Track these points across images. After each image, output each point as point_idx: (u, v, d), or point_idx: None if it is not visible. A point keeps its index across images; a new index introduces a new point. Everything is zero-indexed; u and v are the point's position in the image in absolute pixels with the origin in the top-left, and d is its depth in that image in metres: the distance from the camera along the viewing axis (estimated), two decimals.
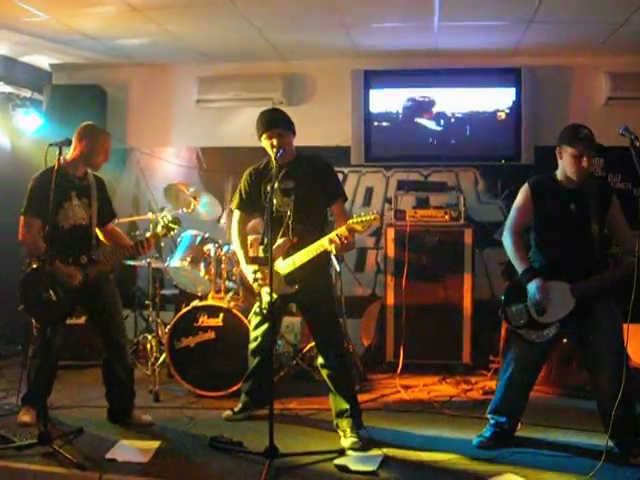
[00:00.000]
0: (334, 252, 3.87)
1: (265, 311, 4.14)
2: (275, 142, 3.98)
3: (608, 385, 3.63)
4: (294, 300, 4.28)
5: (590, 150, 3.69)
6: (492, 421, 4.01)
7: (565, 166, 3.79)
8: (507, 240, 3.93)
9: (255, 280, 4.06)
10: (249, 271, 4.16)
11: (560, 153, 3.80)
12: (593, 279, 3.67)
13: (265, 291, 4.04)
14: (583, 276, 3.70)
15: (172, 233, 4.45)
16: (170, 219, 4.37)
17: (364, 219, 3.68)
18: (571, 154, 3.71)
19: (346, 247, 3.82)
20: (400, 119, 6.43)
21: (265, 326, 4.27)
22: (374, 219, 3.67)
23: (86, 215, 4.24)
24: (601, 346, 3.69)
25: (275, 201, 4.07)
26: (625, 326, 3.59)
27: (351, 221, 3.72)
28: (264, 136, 4.04)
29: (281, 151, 3.94)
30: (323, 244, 3.84)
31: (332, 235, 3.80)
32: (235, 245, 4.38)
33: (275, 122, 4.04)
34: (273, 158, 4.01)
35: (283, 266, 4.04)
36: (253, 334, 4.41)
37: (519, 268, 3.86)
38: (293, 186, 4.07)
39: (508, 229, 3.94)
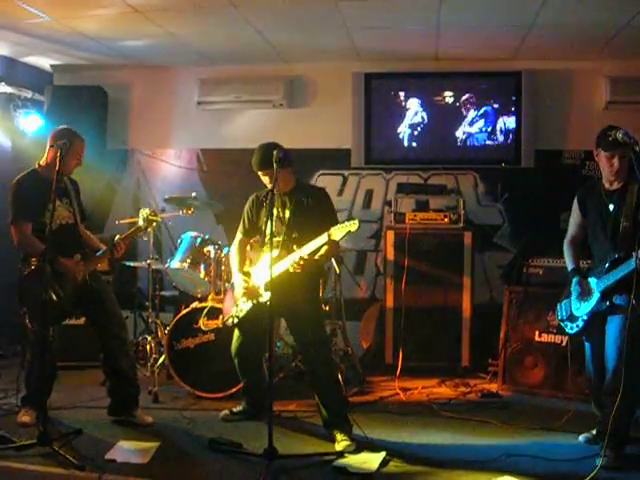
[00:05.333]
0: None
1: (236, 320, 4.25)
2: (267, 181, 4.13)
3: (608, 380, 3.66)
4: (278, 314, 4.32)
5: (620, 150, 3.70)
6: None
7: (602, 168, 3.87)
8: (564, 250, 4.14)
9: (244, 288, 4.19)
10: (240, 280, 4.25)
11: (597, 156, 3.88)
12: (611, 273, 3.68)
13: (242, 301, 4.20)
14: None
15: (154, 225, 4.54)
16: (149, 212, 4.43)
17: (342, 227, 3.76)
18: (604, 156, 3.78)
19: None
20: (400, 122, 6.44)
21: (240, 344, 4.37)
22: (352, 225, 3.74)
23: (70, 214, 4.29)
24: (607, 341, 3.72)
25: (273, 227, 4.14)
26: None
27: (332, 229, 3.79)
28: (258, 173, 4.16)
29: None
30: (288, 264, 3.94)
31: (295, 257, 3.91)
32: (232, 260, 4.45)
33: (264, 163, 4.06)
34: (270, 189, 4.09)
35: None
36: (233, 350, 4.43)
37: (568, 269, 4.06)
38: (289, 215, 4.15)
39: (565, 240, 4.16)
